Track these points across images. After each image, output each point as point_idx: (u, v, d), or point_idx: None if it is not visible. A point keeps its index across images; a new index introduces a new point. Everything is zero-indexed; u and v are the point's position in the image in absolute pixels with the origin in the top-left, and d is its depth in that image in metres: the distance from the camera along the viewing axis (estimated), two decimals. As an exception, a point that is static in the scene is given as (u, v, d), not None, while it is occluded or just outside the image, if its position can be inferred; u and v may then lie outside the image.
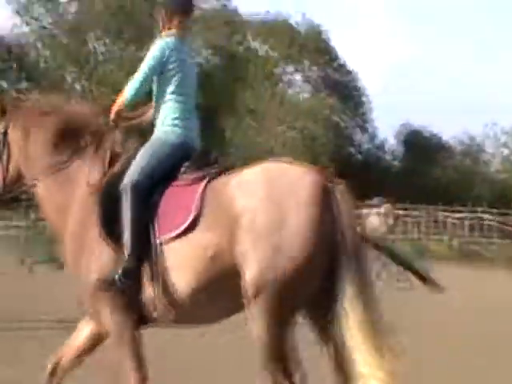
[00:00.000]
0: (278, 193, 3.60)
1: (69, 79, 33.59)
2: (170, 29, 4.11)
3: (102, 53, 33.42)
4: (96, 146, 4.09)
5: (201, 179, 3.83)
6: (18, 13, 33.02)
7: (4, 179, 4.17)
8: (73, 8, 33.70)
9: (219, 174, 3.85)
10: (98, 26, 32.44)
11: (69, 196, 4.01)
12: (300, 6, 67.87)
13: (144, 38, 33.36)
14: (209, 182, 3.81)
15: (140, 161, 3.94)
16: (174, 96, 4.04)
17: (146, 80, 4.02)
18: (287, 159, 3.90)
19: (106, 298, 3.80)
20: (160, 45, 4.04)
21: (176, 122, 4.03)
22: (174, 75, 4.03)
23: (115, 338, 3.87)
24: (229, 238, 3.61)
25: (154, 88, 4.08)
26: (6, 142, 4.16)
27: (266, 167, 3.75)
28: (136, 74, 4.02)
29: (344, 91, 37.44)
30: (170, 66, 4.02)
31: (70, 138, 4.11)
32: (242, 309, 3.68)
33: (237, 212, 3.62)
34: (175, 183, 3.89)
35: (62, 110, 4.17)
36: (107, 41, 33.23)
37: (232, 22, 35.45)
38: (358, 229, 3.88)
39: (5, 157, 4.15)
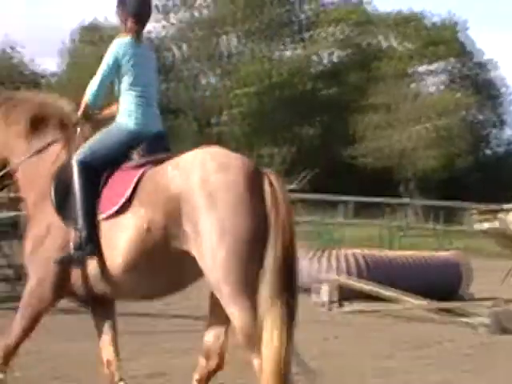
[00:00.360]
0: (210, 173, 3.81)
1: (203, 74, 34.84)
2: (125, 30, 4.46)
3: (235, 47, 34.32)
4: (67, 136, 4.45)
5: (143, 164, 4.14)
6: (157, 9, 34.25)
7: None
8: (207, 4, 34.59)
9: (160, 159, 4.11)
10: (230, 22, 33.29)
11: (37, 180, 4.37)
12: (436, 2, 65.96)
13: (273, 33, 34.06)
14: (149, 166, 4.10)
15: (91, 142, 4.30)
16: (130, 88, 4.36)
17: (104, 80, 4.37)
18: (218, 147, 4.11)
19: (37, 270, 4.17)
20: (114, 45, 4.40)
21: (131, 111, 4.33)
22: (129, 71, 4.35)
23: (23, 306, 4.19)
24: (165, 216, 3.85)
25: (116, 86, 4.43)
26: None
27: (200, 152, 4.00)
28: (95, 76, 4.38)
29: (482, 86, 36.30)
30: (125, 63, 4.34)
31: (44, 128, 4.50)
32: (177, 286, 4.04)
33: (173, 192, 3.86)
34: (122, 167, 4.20)
35: (38, 102, 4.59)
36: (240, 35, 34.05)
37: (365, 18, 35.33)
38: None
39: None
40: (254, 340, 3.70)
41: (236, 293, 3.70)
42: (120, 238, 3.95)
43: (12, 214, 14.18)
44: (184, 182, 3.86)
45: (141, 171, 4.08)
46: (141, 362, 5.95)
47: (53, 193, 4.24)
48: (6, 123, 4.55)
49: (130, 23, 4.45)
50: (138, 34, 4.46)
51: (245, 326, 3.70)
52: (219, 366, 4.09)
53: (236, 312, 3.71)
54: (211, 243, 3.73)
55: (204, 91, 35.32)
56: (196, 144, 5.00)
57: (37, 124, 4.50)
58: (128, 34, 4.45)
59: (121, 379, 4.29)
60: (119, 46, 4.40)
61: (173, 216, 3.84)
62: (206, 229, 3.74)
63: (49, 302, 4.17)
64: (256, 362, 3.71)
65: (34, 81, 45.63)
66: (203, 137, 34.48)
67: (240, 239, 3.72)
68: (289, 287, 3.77)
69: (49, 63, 67.19)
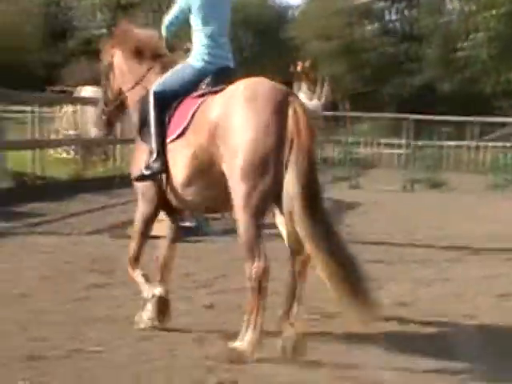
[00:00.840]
0: (242, 100, 4.26)
1: None
2: None
3: None
4: (161, 66, 5.03)
5: (201, 95, 4.63)
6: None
7: (111, 94, 5.27)
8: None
9: (217, 91, 4.56)
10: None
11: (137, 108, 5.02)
12: None
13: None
14: (205, 97, 4.58)
15: (166, 76, 4.86)
16: (198, 28, 4.80)
17: (173, 20, 4.89)
18: (259, 78, 4.47)
19: (140, 190, 4.87)
20: None
21: (198, 50, 4.81)
22: (198, 12, 4.78)
23: (136, 223, 4.94)
24: (208, 140, 4.36)
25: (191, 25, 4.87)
26: (112, 66, 5.25)
27: (242, 82, 4.42)
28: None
29: None
30: (194, 4, 4.78)
31: (147, 60, 5.08)
32: (219, 198, 4.45)
33: (213, 119, 4.36)
34: (187, 98, 4.69)
35: (144, 39, 5.12)
36: None
37: None
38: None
39: (111, 77, 5.25)
40: (248, 248, 4.21)
41: (243, 204, 4.18)
42: (179, 159, 4.54)
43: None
44: (222, 110, 4.34)
45: (197, 103, 4.59)
46: (391, 291, 6.22)
47: (135, 119, 4.98)
48: (122, 60, 5.18)
49: None
50: None
51: (242, 235, 4.23)
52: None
53: (239, 221, 4.24)
54: (235, 160, 4.20)
55: (450, 16, 34.13)
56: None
57: (138, 55, 5.09)
58: None
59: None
60: None
61: (213, 139, 4.34)
62: (233, 148, 4.21)
63: (150, 212, 4.87)
64: (247, 268, 4.25)
65: (280, 14, 47.12)
66: (448, 62, 33.51)
67: (259, 155, 4.14)
68: (313, 207, 4.08)
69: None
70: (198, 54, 4.81)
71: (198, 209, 5.09)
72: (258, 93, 4.30)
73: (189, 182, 4.53)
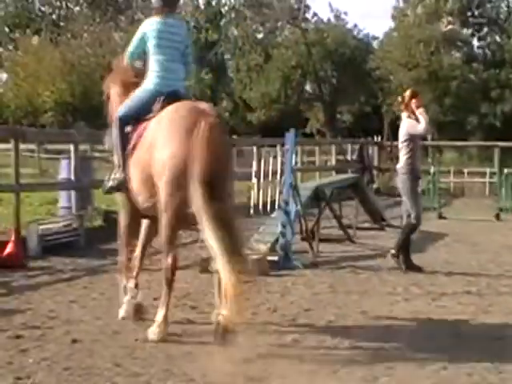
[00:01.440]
0: (165, 123, 5.21)
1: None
2: (155, 12, 5.78)
3: None
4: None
5: (149, 118, 5.47)
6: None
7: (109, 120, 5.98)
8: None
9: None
10: None
11: None
12: None
13: None
14: (151, 118, 5.45)
15: (127, 101, 5.71)
16: (153, 56, 5.60)
17: (132, 51, 5.78)
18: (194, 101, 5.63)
19: (120, 203, 5.84)
20: (143, 24, 5.78)
21: (153, 74, 5.59)
22: (153, 43, 5.60)
23: (121, 235, 5.86)
24: (147, 156, 5.24)
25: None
26: (109, 97, 6.15)
27: (170, 107, 5.31)
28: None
29: None
30: (150, 37, 5.60)
31: (131, 90, 5.83)
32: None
33: (149, 138, 5.31)
34: (141, 119, 5.52)
35: (129, 74, 5.96)
36: None
37: None
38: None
39: (109, 105, 6.07)
40: (165, 245, 5.21)
41: (164, 209, 5.14)
42: (133, 173, 5.42)
43: (350, 176, 15.26)
44: (153, 131, 5.29)
45: (144, 124, 5.45)
46: (483, 323, 6.09)
47: (106, 138, 6.03)
48: (116, 92, 6.09)
49: (158, 6, 5.72)
50: (166, 14, 5.66)
51: (161, 234, 5.22)
52: None
53: (161, 223, 5.22)
54: (159, 173, 5.14)
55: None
56: None
57: (125, 87, 5.93)
58: (156, 15, 5.70)
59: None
60: (146, 24, 5.72)
61: (149, 156, 5.22)
62: (158, 162, 5.14)
63: (129, 223, 5.79)
64: (163, 260, 5.27)
65: (366, 43, 47.05)
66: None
67: (175, 169, 5.03)
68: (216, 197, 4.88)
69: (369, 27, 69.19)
70: (150, 79, 5.61)
71: (150, 213, 5.57)
72: (177, 115, 5.19)
73: (140, 192, 5.42)
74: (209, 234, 4.86)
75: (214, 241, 4.82)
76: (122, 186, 5.57)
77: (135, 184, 5.44)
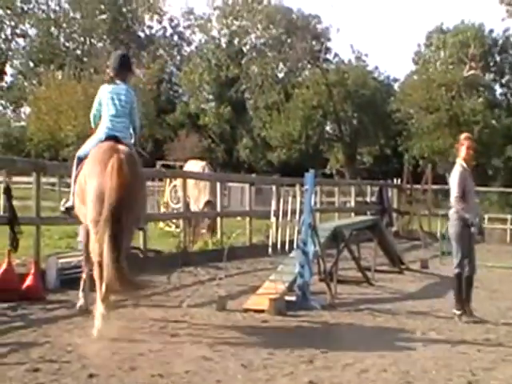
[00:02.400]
0: (89, 160, 6.91)
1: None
2: (107, 79, 7.39)
3: None
4: None
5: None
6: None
7: None
8: None
9: None
10: None
11: None
12: None
13: None
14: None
15: (84, 145, 7.35)
16: (104, 114, 7.19)
17: (94, 112, 7.35)
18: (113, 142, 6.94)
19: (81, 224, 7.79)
20: (100, 90, 7.34)
21: (102, 126, 7.17)
22: (105, 104, 7.19)
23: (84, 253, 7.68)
24: (82, 187, 6.96)
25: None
26: None
27: (97, 146, 7.01)
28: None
29: None
30: (103, 100, 7.21)
31: None
32: None
33: (82, 172, 7.01)
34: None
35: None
36: None
37: None
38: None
39: None
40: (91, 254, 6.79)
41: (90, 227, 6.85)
42: (76, 200, 7.21)
43: (369, 217, 15.27)
44: (84, 166, 7.00)
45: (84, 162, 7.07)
46: (503, 373, 6.06)
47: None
48: None
49: (110, 74, 7.27)
50: (116, 80, 7.21)
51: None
52: None
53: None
54: (87, 199, 6.82)
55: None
56: None
57: None
58: (109, 82, 7.26)
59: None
60: (101, 90, 7.29)
61: (83, 187, 6.92)
62: (86, 191, 6.84)
63: (89, 241, 7.15)
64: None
65: (387, 85, 47.33)
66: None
67: (91, 191, 6.69)
68: (115, 229, 6.31)
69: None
70: (100, 128, 7.19)
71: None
72: (97, 154, 6.82)
73: (80, 215, 7.19)
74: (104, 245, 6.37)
75: (105, 249, 6.35)
76: (72, 210, 7.37)
77: (77, 207, 7.23)
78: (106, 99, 7.15)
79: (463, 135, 9.00)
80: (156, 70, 40.96)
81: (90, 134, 7.51)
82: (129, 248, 7.40)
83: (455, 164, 8.77)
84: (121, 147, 6.73)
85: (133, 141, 7.25)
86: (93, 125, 7.35)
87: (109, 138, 6.96)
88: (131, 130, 7.26)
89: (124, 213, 6.36)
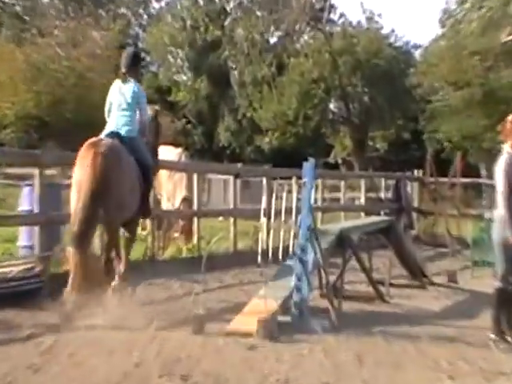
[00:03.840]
0: (77, 157, 8.85)
1: None
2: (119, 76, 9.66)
3: None
4: None
5: None
6: None
7: None
8: None
9: None
10: None
11: None
12: None
13: None
14: None
15: None
16: (111, 111, 9.48)
17: (108, 107, 9.54)
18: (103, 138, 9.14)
19: None
20: (112, 86, 9.62)
21: (108, 123, 9.47)
22: (109, 100, 9.52)
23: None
24: None
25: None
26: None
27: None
28: None
29: None
30: (112, 96, 9.51)
31: None
32: None
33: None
34: None
35: None
36: None
37: None
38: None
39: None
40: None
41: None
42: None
43: (384, 218, 15.31)
44: None
45: None
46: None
47: None
48: None
49: (122, 71, 9.52)
50: (125, 77, 9.48)
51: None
52: None
53: None
54: None
55: None
56: None
57: None
58: (122, 79, 9.50)
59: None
60: (112, 86, 9.58)
61: None
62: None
63: None
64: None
65: (406, 53, 47.49)
66: None
67: (72, 184, 8.78)
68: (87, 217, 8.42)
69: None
70: (107, 125, 9.47)
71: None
72: (81, 150, 8.77)
73: None
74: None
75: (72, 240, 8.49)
76: None
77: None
78: (114, 95, 9.50)
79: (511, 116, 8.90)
80: (117, 32, 40.87)
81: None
82: (133, 239, 9.86)
83: (501, 152, 8.72)
84: (102, 142, 8.87)
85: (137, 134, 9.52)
86: (107, 119, 9.53)
87: (108, 135, 9.23)
88: (137, 124, 9.50)
89: (97, 204, 8.46)
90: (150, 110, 10.16)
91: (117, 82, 9.57)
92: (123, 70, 9.53)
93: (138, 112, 9.52)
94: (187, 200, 15.58)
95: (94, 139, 8.91)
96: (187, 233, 15.36)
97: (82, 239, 8.39)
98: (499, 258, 8.51)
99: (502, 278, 8.45)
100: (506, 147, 8.66)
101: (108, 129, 9.39)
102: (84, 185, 8.47)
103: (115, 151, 8.82)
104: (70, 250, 8.44)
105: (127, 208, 9.08)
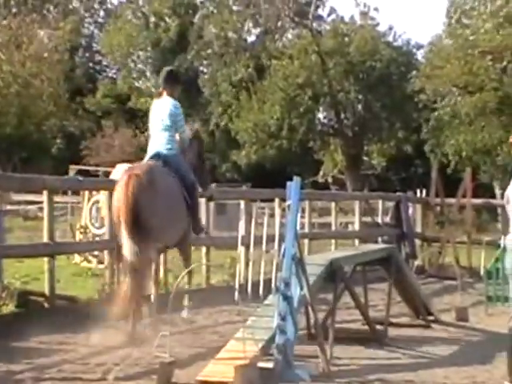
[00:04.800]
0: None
1: None
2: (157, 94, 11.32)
3: None
4: None
5: None
6: None
7: None
8: None
9: None
10: None
11: None
12: None
13: None
14: None
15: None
16: (151, 130, 11.10)
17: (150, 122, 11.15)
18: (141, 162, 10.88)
19: None
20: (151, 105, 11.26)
21: (149, 144, 11.05)
22: (152, 121, 10.95)
23: None
24: None
25: None
26: None
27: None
28: None
29: None
30: (151, 116, 10.99)
31: None
32: None
33: None
34: None
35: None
36: None
37: None
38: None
39: None
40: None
41: None
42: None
43: (382, 246, 15.36)
44: None
45: None
46: None
47: None
48: None
49: (159, 90, 11.22)
50: (162, 95, 10.91)
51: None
52: None
53: None
54: None
55: None
56: None
57: None
58: (158, 97, 11.15)
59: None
60: (152, 106, 11.10)
61: None
62: None
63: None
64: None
65: (406, 54, 47.69)
66: None
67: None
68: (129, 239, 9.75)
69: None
70: (149, 146, 11.01)
71: None
72: (122, 173, 10.38)
73: None
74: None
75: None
76: None
77: None
78: (152, 115, 10.96)
79: None
80: (68, 31, 40.91)
81: None
82: (188, 260, 11.31)
83: None
84: (139, 165, 10.53)
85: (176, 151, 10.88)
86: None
87: (151, 157, 10.76)
88: (176, 142, 10.84)
89: (135, 226, 9.72)
90: (188, 129, 11.35)
91: (154, 103, 11.14)
92: (160, 88, 11.08)
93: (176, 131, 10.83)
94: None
95: (129, 165, 10.83)
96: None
97: (134, 265, 9.79)
98: None
99: None
100: None
101: (150, 151, 10.82)
102: (120, 209, 9.85)
103: (150, 173, 10.11)
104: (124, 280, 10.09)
105: (170, 227, 10.44)
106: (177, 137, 10.86)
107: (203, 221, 15.86)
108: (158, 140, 10.74)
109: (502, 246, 15.63)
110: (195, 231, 11.28)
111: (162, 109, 10.77)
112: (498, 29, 40.58)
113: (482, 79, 40.18)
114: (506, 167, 35.74)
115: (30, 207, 26.98)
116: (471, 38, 41.22)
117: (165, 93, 10.85)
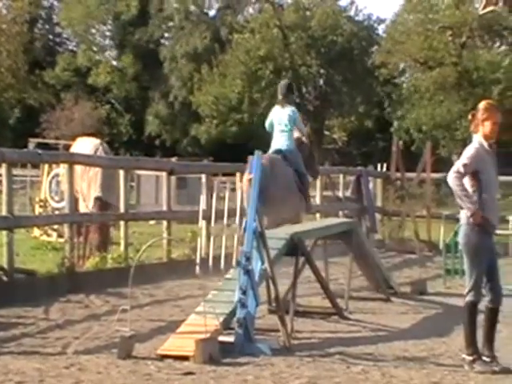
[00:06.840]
0: None
1: None
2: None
3: None
4: None
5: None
6: None
7: None
8: None
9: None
10: None
11: None
12: None
13: None
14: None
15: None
16: (274, 132, 13.43)
17: (267, 125, 13.67)
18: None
19: None
20: (272, 111, 13.70)
21: (272, 142, 13.40)
22: (275, 124, 13.39)
23: None
24: None
25: None
26: None
27: None
28: None
29: None
30: (274, 120, 13.40)
31: None
32: None
33: None
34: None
35: None
36: None
37: None
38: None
39: None
40: None
41: None
42: None
43: (342, 220, 15.41)
44: None
45: None
46: None
47: None
48: None
49: (280, 98, 13.51)
50: (283, 103, 13.32)
51: None
52: None
53: None
54: None
55: None
56: None
57: None
58: (280, 104, 13.42)
59: None
60: (273, 111, 13.51)
61: None
62: None
63: None
64: None
65: (368, 28, 47.70)
66: None
67: None
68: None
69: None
70: (272, 143, 13.31)
71: None
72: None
73: None
74: None
75: None
76: None
77: None
78: (274, 118, 13.28)
79: (484, 103, 8.97)
80: (27, 2, 40.51)
81: None
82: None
83: (470, 143, 8.74)
84: (265, 155, 12.09)
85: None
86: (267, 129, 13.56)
87: (273, 152, 13.01)
88: (293, 141, 13.29)
89: (267, 212, 11.62)
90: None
91: (275, 109, 13.49)
92: (280, 97, 13.52)
93: (295, 131, 13.36)
94: (100, 201, 15.26)
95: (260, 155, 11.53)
96: (98, 242, 15.14)
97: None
98: (469, 267, 8.45)
99: (473, 290, 8.39)
100: (476, 138, 8.62)
101: (273, 147, 13.22)
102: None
103: (271, 161, 12.48)
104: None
105: (285, 203, 12.78)
106: (295, 134, 13.39)
107: (164, 194, 15.92)
108: (279, 139, 13.18)
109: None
110: (306, 210, 13.89)
111: (283, 114, 13.23)
112: (458, 5, 40.71)
113: (442, 54, 40.34)
114: (465, 141, 35.88)
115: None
116: (431, 14, 41.31)
117: (284, 101, 13.31)
